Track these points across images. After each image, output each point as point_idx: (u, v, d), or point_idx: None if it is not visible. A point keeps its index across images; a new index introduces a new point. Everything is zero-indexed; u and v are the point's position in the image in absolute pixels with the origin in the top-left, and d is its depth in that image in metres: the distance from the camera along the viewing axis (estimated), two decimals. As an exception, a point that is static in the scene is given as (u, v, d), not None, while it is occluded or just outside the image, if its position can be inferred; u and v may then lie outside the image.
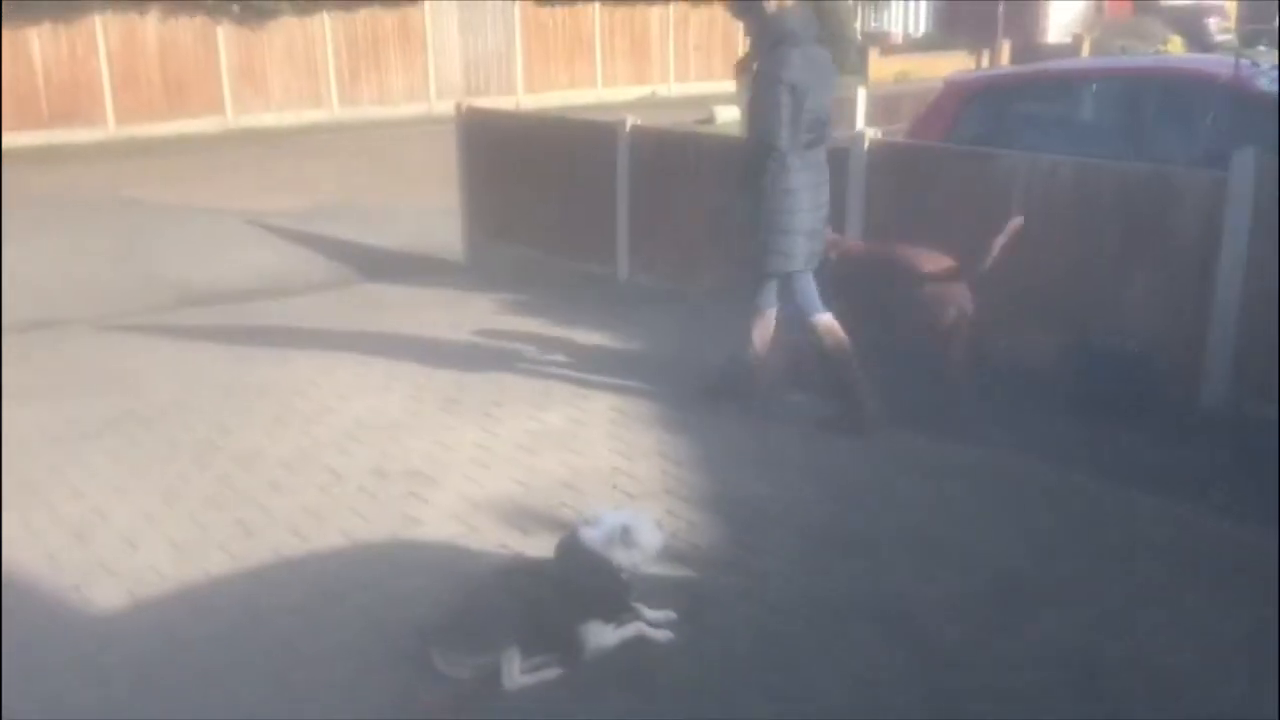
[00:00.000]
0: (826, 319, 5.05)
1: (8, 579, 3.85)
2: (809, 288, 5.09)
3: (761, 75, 4.87)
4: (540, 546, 3.97)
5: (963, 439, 4.96)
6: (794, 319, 5.13)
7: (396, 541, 4.09)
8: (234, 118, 20.20)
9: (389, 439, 5.10)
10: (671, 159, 7.87)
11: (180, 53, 19.75)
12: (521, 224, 8.98)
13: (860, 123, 12.44)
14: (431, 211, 11.14)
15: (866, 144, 6.61)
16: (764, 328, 5.15)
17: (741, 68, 5.14)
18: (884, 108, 12.98)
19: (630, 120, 8.04)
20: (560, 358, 6.29)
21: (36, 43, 18.40)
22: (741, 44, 27.55)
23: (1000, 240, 5.20)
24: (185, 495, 4.51)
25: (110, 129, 19.07)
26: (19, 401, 5.73)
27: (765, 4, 4.89)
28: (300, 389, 5.86)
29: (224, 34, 20.05)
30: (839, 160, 6.71)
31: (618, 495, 4.41)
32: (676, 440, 4.99)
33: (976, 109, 8.04)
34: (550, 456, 4.83)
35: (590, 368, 6.09)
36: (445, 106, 22.69)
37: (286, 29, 20.74)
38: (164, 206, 12.62)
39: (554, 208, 8.70)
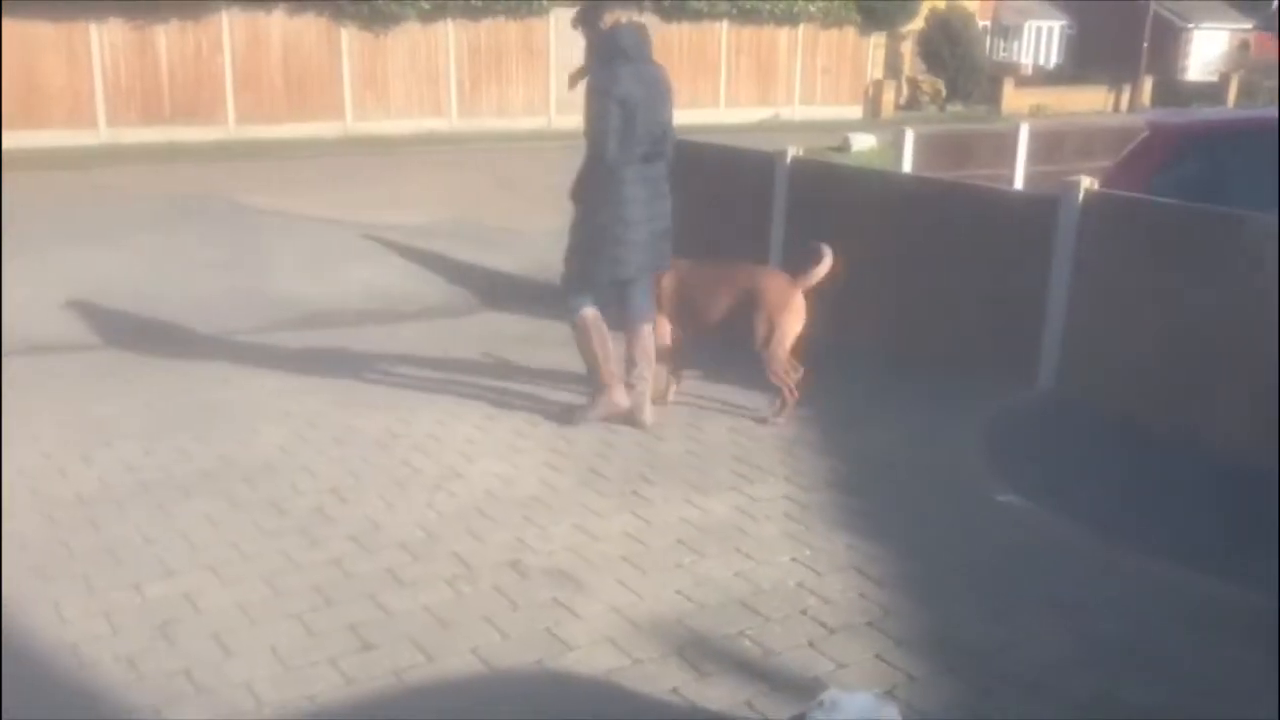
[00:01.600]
0: (647, 328, 5.36)
1: (84, 685, 3.19)
2: (643, 295, 5.33)
3: (592, 90, 4.97)
4: (721, 696, 3.18)
5: (1237, 579, 4.01)
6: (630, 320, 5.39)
7: (541, 672, 3.31)
8: (353, 123, 19.91)
9: (524, 520, 4.34)
10: (836, 196, 7.04)
11: (303, 54, 19.53)
12: (659, 257, 8.24)
13: (1021, 160, 11.46)
14: (553, 233, 10.41)
15: (1081, 195, 5.69)
16: (598, 330, 5.33)
17: (574, 81, 5.18)
18: (1045, 145, 11.94)
19: (791, 151, 7.24)
20: (714, 423, 5.49)
21: (164, 40, 18.31)
22: (871, 65, 26.60)
23: (824, 260, 5.47)
24: (292, 583, 3.80)
25: (230, 129, 18.90)
26: (111, 437, 5.13)
27: (601, 20, 5.00)
28: (420, 444, 5.16)
29: (347, 36, 19.78)
30: (1045, 212, 5.84)
31: (810, 626, 3.58)
32: (871, 548, 4.14)
33: (1189, 156, 7.04)
34: (719, 561, 4.02)
35: (751, 437, 5.29)
36: (564, 122, 22.24)
37: (410, 35, 20.42)
38: (278, 214, 12.17)
39: (696, 242, 7.91)
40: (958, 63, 29.75)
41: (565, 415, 5.45)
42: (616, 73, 4.91)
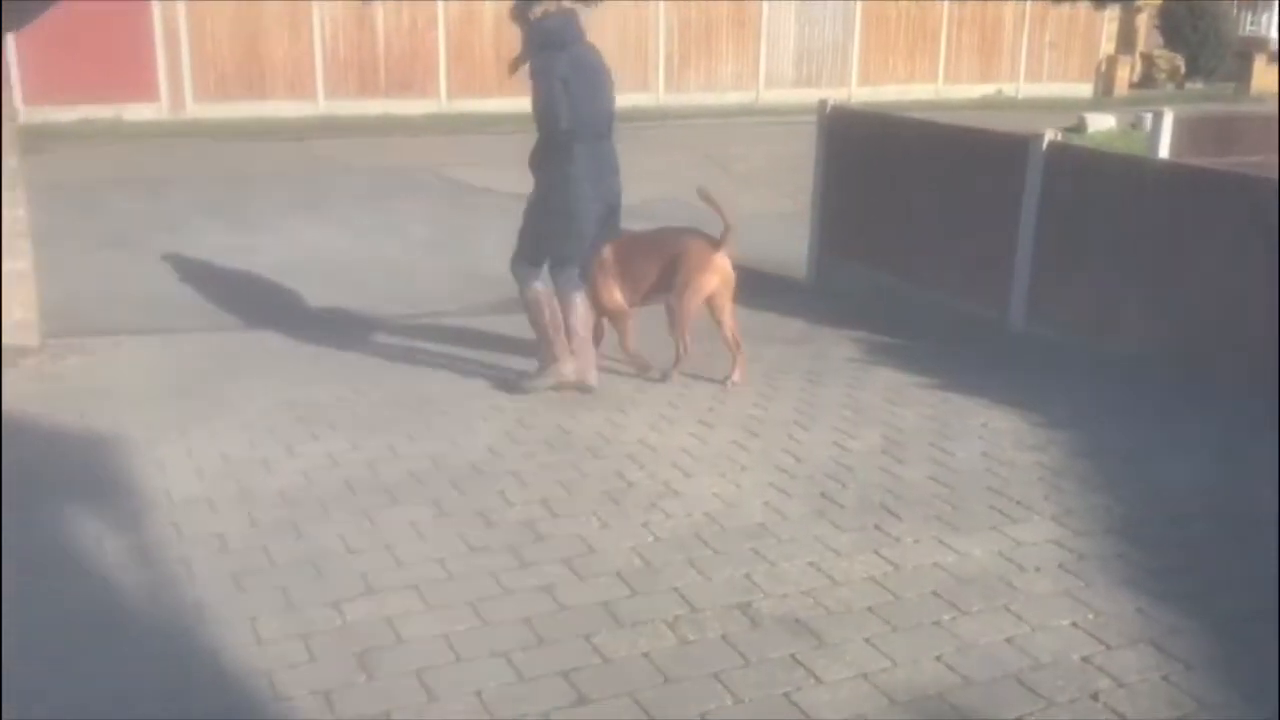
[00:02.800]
0: (580, 296, 5.46)
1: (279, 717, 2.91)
2: (573, 269, 5.46)
3: (536, 73, 5.18)
4: (1004, 806, 2.62)
5: None
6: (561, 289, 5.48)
7: (784, 753, 2.84)
8: (560, 98, 19.82)
9: (753, 553, 3.86)
10: (1104, 188, 6.24)
11: (514, 28, 19.45)
12: (886, 245, 7.60)
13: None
14: (765, 216, 9.95)
15: None
16: (549, 304, 5.42)
17: (512, 69, 5.37)
18: (1322, 130, 10.59)
19: (1049, 135, 6.47)
20: (962, 444, 4.88)
21: (381, 14, 18.61)
22: (1105, 40, 24.80)
23: (721, 212, 5.56)
24: (501, 612, 3.44)
25: (442, 102, 19.10)
26: (319, 427, 4.93)
27: (531, 10, 5.20)
28: (633, 452, 4.75)
29: (558, 11, 19.68)
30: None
31: (1105, 717, 2.97)
32: (1168, 616, 3.47)
33: None
34: (984, 621, 3.44)
35: (1008, 463, 4.65)
36: (772, 96, 21.62)
37: (620, 9, 20.11)
38: (486, 190, 12.06)
39: (931, 231, 7.27)
40: (1200, 37, 27.38)
41: (514, 382, 5.52)
42: (554, 57, 5.13)
